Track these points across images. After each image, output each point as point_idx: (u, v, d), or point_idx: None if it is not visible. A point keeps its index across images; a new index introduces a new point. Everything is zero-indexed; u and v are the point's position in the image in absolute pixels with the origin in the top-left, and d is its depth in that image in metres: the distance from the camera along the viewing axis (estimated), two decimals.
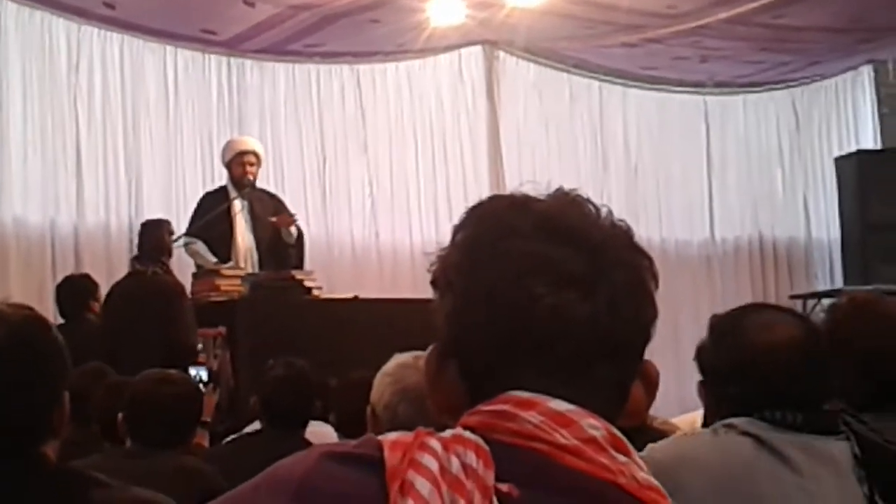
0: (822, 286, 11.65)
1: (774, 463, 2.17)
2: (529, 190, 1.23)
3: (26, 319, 2.02)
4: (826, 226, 12.21)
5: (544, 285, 1.15)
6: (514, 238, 1.17)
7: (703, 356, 2.40)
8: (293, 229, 8.18)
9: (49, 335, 2.04)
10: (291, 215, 8.22)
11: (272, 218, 8.10)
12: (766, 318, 2.34)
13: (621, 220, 1.23)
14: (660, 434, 3.90)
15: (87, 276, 7.34)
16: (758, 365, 2.26)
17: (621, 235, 1.21)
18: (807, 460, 2.18)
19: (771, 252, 12.27)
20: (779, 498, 2.15)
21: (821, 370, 2.29)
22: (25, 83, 8.88)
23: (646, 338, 1.21)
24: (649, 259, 1.22)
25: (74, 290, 7.06)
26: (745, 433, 2.22)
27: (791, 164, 12.46)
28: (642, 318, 1.20)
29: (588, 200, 1.22)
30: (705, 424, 2.52)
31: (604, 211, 1.22)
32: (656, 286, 1.21)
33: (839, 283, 11.31)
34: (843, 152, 11.81)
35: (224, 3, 8.87)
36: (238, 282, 7.52)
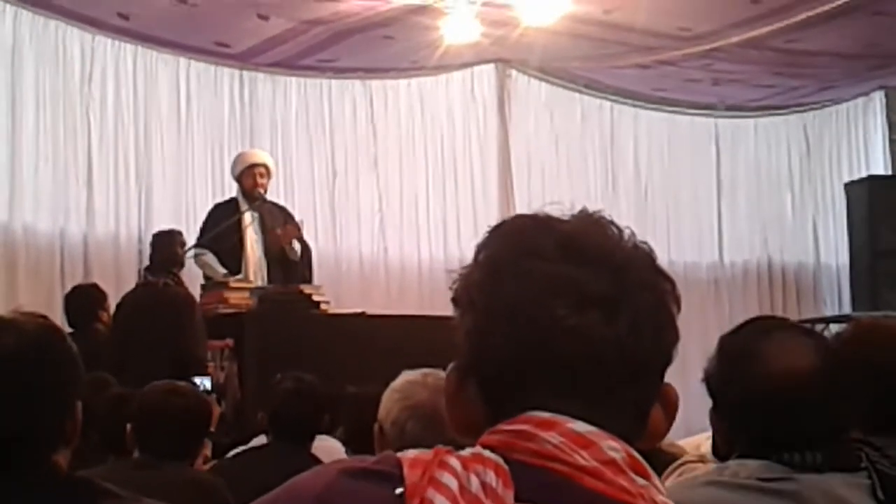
0: (830, 311, 11.63)
1: None
2: (552, 210, 1.23)
3: (40, 328, 2.02)
4: (835, 251, 12.20)
5: (566, 306, 1.14)
6: (537, 258, 1.17)
7: (714, 382, 2.24)
8: (296, 245, 8.17)
9: (63, 344, 2.05)
10: (298, 227, 8.22)
11: (278, 230, 8.10)
12: (782, 344, 2.17)
13: (644, 242, 1.23)
14: (670, 457, 3.89)
15: (95, 286, 7.33)
16: (775, 399, 2.11)
17: (644, 257, 1.21)
18: None
19: (779, 276, 12.26)
20: None
21: (842, 397, 2.16)
22: (39, 92, 8.91)
23: (667, 361, 1.21)
24: (671, 282, 1.22)
25: (83, 299, 7.05)
26: (759, 479, 2.09)
27: (801, 188, 12.45)
28: (664, 341, 1.20)
29: (611, 222, 1.22)
30: (715, 452, 2.43)
31: (626, 233, 1.22)
32: (678, 309, 1.21)
33: (847, 308, 11.30)
34: (854, 178, 11.80)
35: (238, 16, 8.88)
36: (246, 294, 7.52)
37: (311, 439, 4.46)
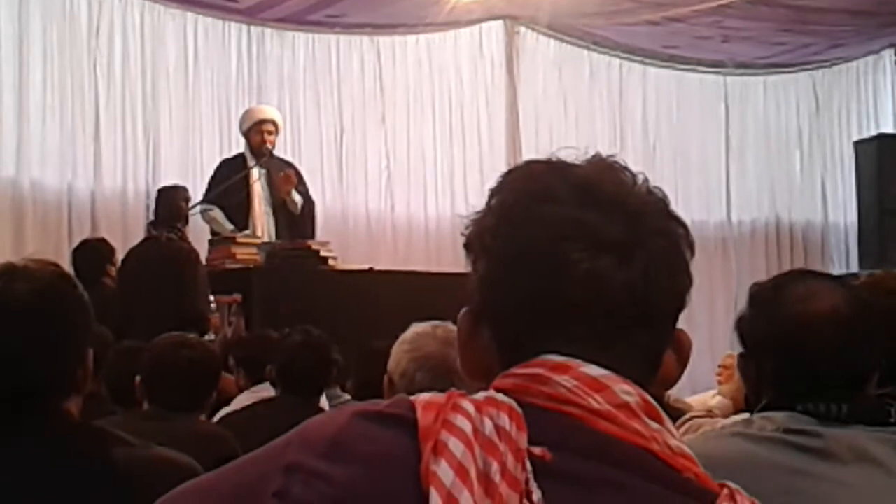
0: (838, 270, 11.60)
1: (815, 467, 2.03)
2: (566, 155, 1.22)
3: (52, 275, 2.02)
4: (843, 210, 12.19)
5: (580, 251, 1.14)
6: (551, 203, 1.16)
7: (743, 326, 2.25)
8: (297, 197, 8.15)
9: (75, 291, 2.05)
10: (299, 175, 8.20)
11: (280, 174, 8.06)
12: (811, 287, 2.18)
13: (657, 188, 1.22)
14: (677, 412, 3.91)
15: (103, 241, 7.34)
16: (798, 337, 2.12)
17: (657, 202, 1.21)
18: (852, 459, 2.04)
19: (787, 235, 12.25)
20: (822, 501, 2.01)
21: (866, 343, 2.14)
22: (46, 47, 8.89)
23: (680, 306, 1.21)
24: (685, 227, 1.21)
25: (91, 254, 7.06)
26: (786, 430, 2.08)
27: (810, 147, 12.42)
28: (677, 287, 1.20)
29: (625, 167, 1.21)
30: (746, 400, 2.41)
31: (640, 178, 1.21)
32: (692, 255, 1.21)
33: (854, 267, 11.28)
34: (863, 136, 11.77)
35: None
36: (254, 250, 7.53)
37: (320, 393, 4.48)
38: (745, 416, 2.24)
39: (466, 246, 1.23)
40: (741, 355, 2.29)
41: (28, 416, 1.92)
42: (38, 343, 1.95)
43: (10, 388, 1.93)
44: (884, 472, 2.04)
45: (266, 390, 4.81)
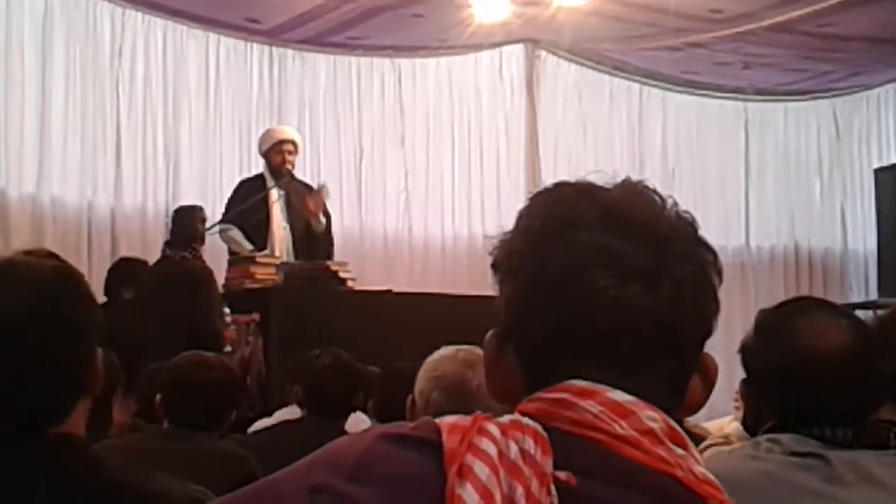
0: (857, 298, 11.57)
1: (822, 488, 2.06)
2: (595, 178, 1.22)
3: (55, 272, 1.82)
4: (863, 237, 12.15)
5: (608, 277, 1.14)
6: (580, 228, 1.16)
7: (749, 354, 2.28)
8: (322, 218, 8.17)
9: (79, 289, 1.84)
10: (324, 202, 8.22)
11: (309, 202, 8.08)
12: (818, 321, 2.20)
13: (686, 212, 1.22)
14: (696, 437, 3.89)
15: (138, 260, 7.39)
16: (806, 372, 2.14)
17: (686, 228, 1.20)
18: (858, 481, 2.07)
19: (806, 262, 12.22)
20: None
21: (872, 377, 2.18)
22: (69, 65, 8.94)
23: (707, 332, 1.21)
24: (714, 253, 1.21)
25: (124, 271, 7.12)
26: (792, 453, 2.11)
27: (830, 173, 12.40)
28: (704, 313, 1.20)
29: (654, 191, 1.21)
30: (745, 425, 2.45)
31: (669, 202, 1.21)
32: (720, 281, 1.21)
33: (874, 294, 11.23)
34: (883, 164, 11.73)
35: None
36: (272, 270, 7.53)
37: (346, 416, 4.48)
38: (753, 439, 2.25)
39: (493, 267, 1.23)
40: (744, 381, 2.32)
41: (28, 435, 1.75)
42: (42, 354, 1.75)
43: (11, 404, 1.74)
44: (888, 494, 2.06)
45: (291, 413, 4.82)
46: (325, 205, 8.26)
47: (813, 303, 2.34)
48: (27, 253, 1.86)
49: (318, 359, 4.64)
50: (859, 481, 2.07)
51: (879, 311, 4.73)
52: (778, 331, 2.22)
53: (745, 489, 1.97)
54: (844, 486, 2.06)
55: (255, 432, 4.76)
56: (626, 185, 1.22)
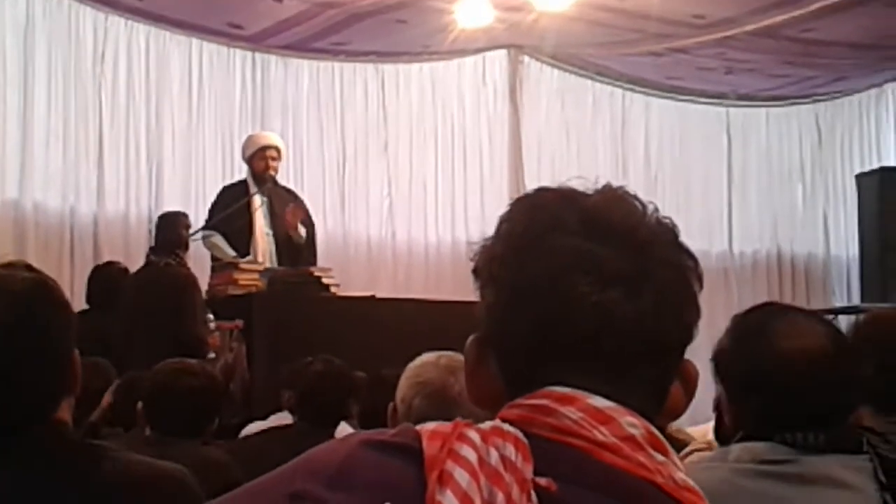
0: (840, 303, 11.60)
1: (785, 491, 2.06)
2: (575, 184, 1.22)
3: (29, 284, 1.95)
4: (845, 242, 12.19)
5: (588, 283, 1.14)
6: (560, 233, 1.16)
7: (722, 359, 2.26)
8: (302, 230, 8.15)
9: (53, 296, 1.97)
10: (304, 208, 8.20)
11: (287, 215, 8.07)
12: (794, 324, 2.20)
13: (667, 218, 1.22)
14: (679, 443, 3.89)
15: (116, 265, 7.37)
16: (783, 376, 2.13)
17: (667, 234, 1.20)
18: (824, 484, 2.08)
19: (789, 267, 12.26)
20: None
21: (848, 381, 2.17)
22: (51, 71, 8.92)
23: (688, 339, 1.20)
24: (694, 259, 1.21)
25: (105, 279, 7.10)
26: (763, 461, 2.11)
27: (812, 179, 12.45)
28: (685, 319, 1.19)
29: (635, 197, 1.21)
30: (718, 432, 2.44)
31: (650, 208, 1.21)
32: (701, 287, 1.21)
33: (856, 300, 11.27)
34: (865, 169, 11.77)
35: None
36: (256, 276, 7.51)
37: (337, 423, 4.47)
38: (724, 447, 2.25)
39: (475, 272, 1.23)
40: (720, 388, 2.30)
41: (17, 430, 1.89)
42: (23, 357, 1.90)
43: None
44: (860, 498, 2.07)
45: (284, 418, 4.82)
46: (306, 213, 8.24)
47: (786, 306, 2.34)
48: (5, 266, 1.99)
49: (310, 365, 4.63)
50: (830, 485, 2.07)
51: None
52: (752, 334, 2.21)
53: (717, 501, 1.98)
54: (815, 490, 2.07)
55: (245, 437, 4.76)
56: (607, 190, 1.22)
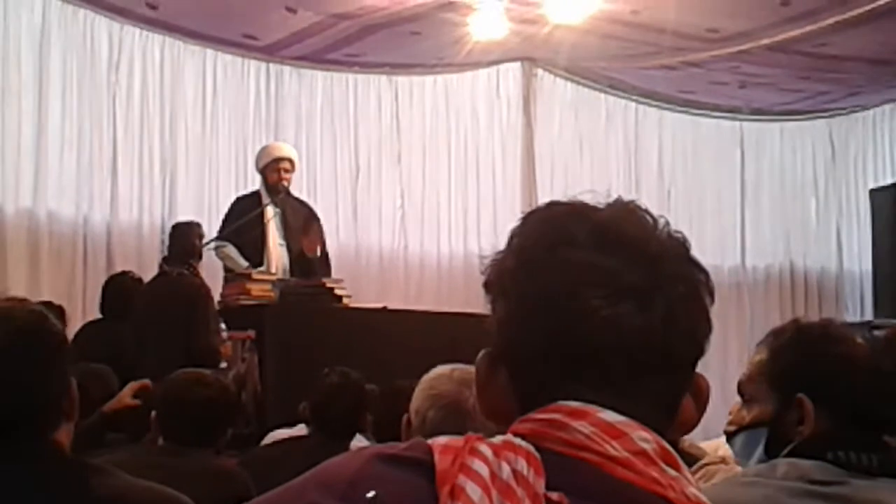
0: (853, 318, 11.57)
1: None
2: (586, 198, 1.22)
3: (27, 315, 2.07)
4: (858, 257, 12.16)
5: (600, 297, 1.14)
6: (571, 247, 1.16)
7: (788, 367, 2.20)
8: (318, 251, 8.15)
9: (50, 326, 2.09)
10: (321, 232, 8.20)
11: (303, 240, 8.07)
12: (847, 332, 2.19)
13: (678, 232, 1.22)
14: (691, 458, 3.87)
15: (130, 275, 7.39)
16: (846, 375, 2.12)
17: (678, 247, 1.20)
18: None
19: (802, 281, 12.23)
20: None
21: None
22: (66, 80, 8.95)
23: (699, 352, 1.20)
24: (706, 273, 1.21)
25: (121, 288, 7.11)
26: (811, 481, 2.04)
27: (825, 194, 12.42)
28: (697, 333, 1.19)
29: (646, 211, 1.21)
30: (768, 448, 2.32)
31: (661, 222, 1.21)
32: (712, 300, 1.20)
33: (869, 315, 11.24)
34: (879, 184, 11.74)
35: (266, 8, 8.89)
36: (268, 287, 7.52)
37: (351, 436, 4.47)
38: (770, 461, 2.18)
39: (486, 286, 1.23)
40: (777, 400, 2.23)
41: (15, 448, 1.97)
42: (22, 381, 2.01)
43: None
44: None
45: (301, 430, 4.82)
46: (321, 240, 8.22)
47: (835, 321, 2.32)
48: (7, 300, 2.13)
49: (326, 377, 4.63)
50: None
51: (876, 332, 4.72)
52: (821, 341, 2.19)
53: None
54: None
55: (262, 447, 4.76)
56: (618, 204, 1.22)
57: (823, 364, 2.16)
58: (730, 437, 2.37)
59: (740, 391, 2.34)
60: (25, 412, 1.99)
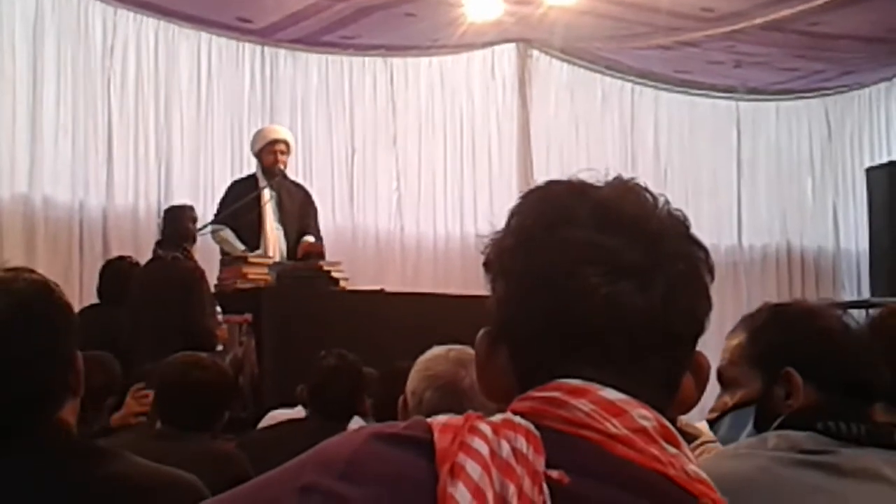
0: (849, 296, 11.59)
1: (828, 483, 2.01)
2: (586, 176, 1.22)
3: (29, 285, 1.97)
4: (855, 236, 12.17)
5: (600, 275, 1.14)
6: (571, 226, 1.16)
7: (772, 345, 2.23)
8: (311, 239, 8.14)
9: (54, 297, 1.99)
10: (320, 244, 8.18)
11: (304, 243, 8.04)
12: (833, 308, 2.23)
13: (678, 211, 1.21)
14: (687, 436, 3.88)
15: (132, 261, 7.38)
16: (844, 352, 2.14)
17: (678, 225, 1.20)
18: (865, 478, 2.02)
19: (798, 261, 12.25)
20: None
21: (879, 365, 2.18)
22: (60, 65, 8.92)
23: (699, 330, 1.20)
24: (705, 251, 1.21)
25: (118, 273, 7.11)
26: (802, 450, 2.06)
27: (822, 172, 12.43)
28: (697, 311, 1.19)
29: (646, 189, 1.20)
30: (757, 422, 2.36)
31: (661, 200, 1.21)
32: (712, 278, 1.20)
33: (866, 293, 11.25)
34: (875, 163, 11.74)
35: None
36: (265, 270, 7.51)
37: (349, 418, 4.47)
38: (760, 435, 2.21)
39: (485, 266, 1.22)
40: (764, 379, 2.26)
41: (20, 430, 1.90)
42: (25, 356, 1.91)
43: (2, 402, 1.90)
44: (891, 488, 2.03)
45: (300, 412, 4.83)
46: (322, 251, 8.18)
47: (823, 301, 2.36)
48: (8, 270, 2.02)
49: (323, 359, 4.63)
50: (868, 478, 2.03)
51: (872, 311, 4.74)
52: (801, 318, 2.22)
53: (755, 490, 1.96)
54: (853, 482, 2.03)
55: (260, 430, 4.77)
56: (618, 183, 1.21)
57: (807, 338, 2.19)
58: (713, 423, 2.39)
59: (720, 378, 2.36)
60: (29, 390, 1.91)
